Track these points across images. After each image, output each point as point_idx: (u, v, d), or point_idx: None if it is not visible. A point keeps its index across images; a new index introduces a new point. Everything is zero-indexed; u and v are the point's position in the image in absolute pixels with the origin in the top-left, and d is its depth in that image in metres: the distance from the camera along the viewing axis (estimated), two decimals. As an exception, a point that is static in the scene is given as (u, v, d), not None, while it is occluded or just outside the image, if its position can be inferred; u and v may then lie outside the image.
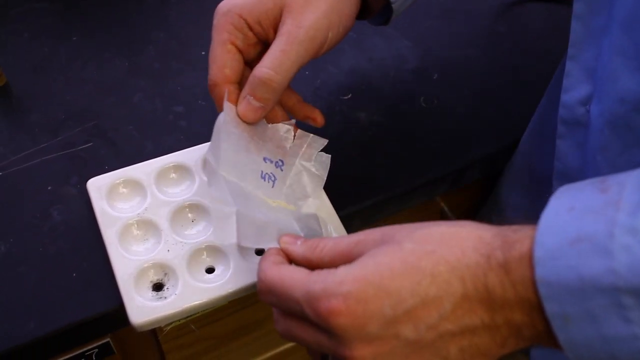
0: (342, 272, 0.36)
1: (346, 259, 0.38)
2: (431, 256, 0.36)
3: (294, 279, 0.38)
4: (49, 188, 0.54)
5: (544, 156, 0.59)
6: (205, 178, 0.53)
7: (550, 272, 0.33)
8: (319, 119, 0.54)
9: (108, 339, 0.53)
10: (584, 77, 0.48)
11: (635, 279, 0.30)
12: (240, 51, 0.49)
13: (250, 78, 0.47)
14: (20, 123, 0.58)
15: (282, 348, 0.80)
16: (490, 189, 0.71)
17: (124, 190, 0.52)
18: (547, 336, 0.35)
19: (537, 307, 0.34)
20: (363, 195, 0.56)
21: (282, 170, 0.51)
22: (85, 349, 0.52)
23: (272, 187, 0.49)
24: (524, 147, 0.63)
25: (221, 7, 0.49)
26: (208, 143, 0.55)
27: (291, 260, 0.42)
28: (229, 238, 0.43)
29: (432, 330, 0.35)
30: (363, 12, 0.55)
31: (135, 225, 0.50)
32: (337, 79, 0.65)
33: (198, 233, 0.51)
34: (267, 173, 0.50)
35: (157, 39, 0.67)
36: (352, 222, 0.56)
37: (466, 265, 0.35)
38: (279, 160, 0.51)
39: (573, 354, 0.33)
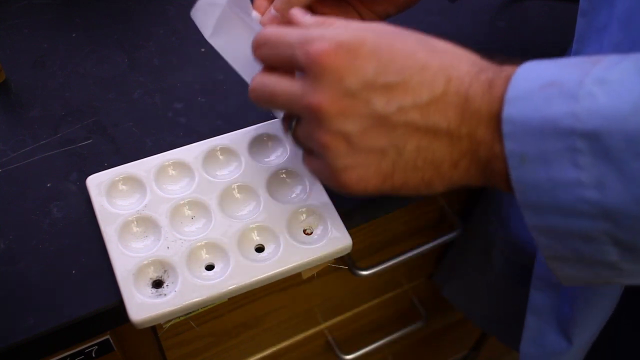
0: (342, 25, 0.38)
1: None
2: (429, 52, 0.37)
3: (293, 29, 0.40)
4: (49, 185, 0.54)
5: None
6: (206, 175, 0.53)
7: (517, 111, 0.34)
8: None
9: (108, 336, 0.53)
10: None
11: (593, 123, 0.31)
12: None
13: None
14: (19, 119, 0.58)
15: (281, 345, 0.80)
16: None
17: (124, 187, 0.52)
18: (498, 167, 0.36)
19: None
20: (363, 192, 0.56)
21: None
22: (84, 346, 0.52)
23: None
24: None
25: None
26: (208, 140, 0.55)
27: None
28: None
29: (401, 114, 0.37)
30: None
31: (135, 222, 0.50)
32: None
33: (198, 230, 0.51)
34: None
35: (157, 34, 0.67)
36: (351, 218, 0.56)
37: (457, 70, 0.37)
38: None
39: (521, 196, 0.34)
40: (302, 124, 0.40)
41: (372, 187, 0.39)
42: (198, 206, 0.52)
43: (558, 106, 0.32)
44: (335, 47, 0.36)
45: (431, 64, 0.37)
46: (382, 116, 0.37)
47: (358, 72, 0.36)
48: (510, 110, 0.34)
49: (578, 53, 0.49)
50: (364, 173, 0.39)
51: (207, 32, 0.50)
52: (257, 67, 0.45)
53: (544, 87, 0.33)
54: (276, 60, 0.41)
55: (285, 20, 0.46)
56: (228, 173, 0.54)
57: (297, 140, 0.42)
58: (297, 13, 0.43)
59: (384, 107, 0.36)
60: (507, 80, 0.35)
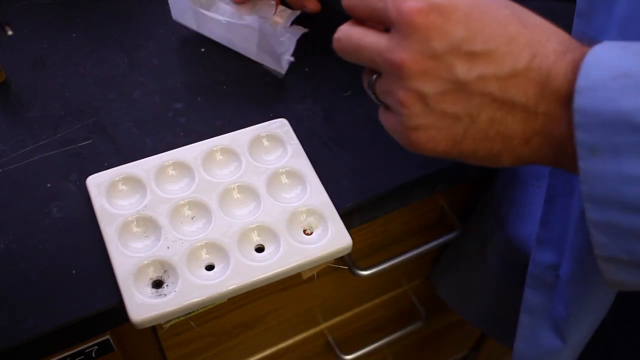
0: None
1: None
2: (520, 26, 0.37)
3: None
4: (49, 185, 0.54)
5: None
6: (206, 175, 0.53)
7: (589, 101, 0.33)
8: (311, 5, 0.63)
9: (108, 336, 0.53)
10: None
11: None
12: None
13: None
14: (19, 119, 0.58)
15: (281, 345, 0.80)
16: (489, 185, 0.71)
17: (124, 187, 0.52)
18: (571, 149, 0.35)
19: None
20: (363, 191, 0.56)
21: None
22: (84, 346, 0.52)
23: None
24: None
25: None
26: (208, 140, 0.55)
27: None
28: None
29: (480, 82, 0.37)
30: None
31: (135, 222, 0.50)
32: (338, 75, 0.65)
33: (198, 230, 0.51)
34: None
35: (157, 34, 0.67)
36: (351, 218, 0.56)
37: (544, 46, 0.37)
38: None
39: (587, 187, 0.34)
40: (382, 79, 0.40)
41: (441, 149, 0.40)
42: (198, 206, 0.52)
43: (633, 99, 0.32)
44: (428, 8, 0.36)
45: (520, 37, 0.37)
46: (461, 82, 0.37)
47: (446, 35, 0.36)
48: (581, 100, 0.34)
49: None
50: (434, 135, 0.39)
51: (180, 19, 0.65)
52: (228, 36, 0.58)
53: (616, 78, 0.33)
54: (365, 11, 0.40)
55: None
56: (228, 173, 0.54)
57: (376, 95, 0.42)
58: None
59: (465, 74, 0.37)
60: None
